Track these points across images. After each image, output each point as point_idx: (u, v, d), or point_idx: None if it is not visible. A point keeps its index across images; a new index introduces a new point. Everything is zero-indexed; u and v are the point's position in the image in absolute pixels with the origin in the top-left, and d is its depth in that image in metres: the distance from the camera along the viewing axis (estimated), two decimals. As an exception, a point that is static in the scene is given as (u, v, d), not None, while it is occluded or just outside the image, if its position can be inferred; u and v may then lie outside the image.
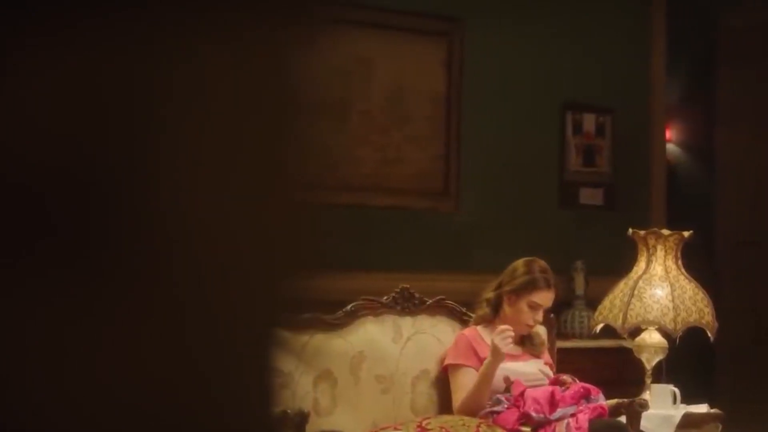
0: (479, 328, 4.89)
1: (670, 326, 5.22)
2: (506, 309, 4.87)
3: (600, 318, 5.43)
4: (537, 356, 4.94)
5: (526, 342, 4.95)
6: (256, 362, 1.02)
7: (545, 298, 4.85)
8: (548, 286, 4.84)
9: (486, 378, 4.66)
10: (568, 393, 4.61)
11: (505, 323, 4.83)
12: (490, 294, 4.92)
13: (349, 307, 4.85)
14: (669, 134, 7.73)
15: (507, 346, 4.59)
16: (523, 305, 4.82)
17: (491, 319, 4.88)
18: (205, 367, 0.95)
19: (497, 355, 4.60)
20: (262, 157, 1.00)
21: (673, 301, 5.24)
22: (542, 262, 4.91)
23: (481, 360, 4.74)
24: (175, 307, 0.93)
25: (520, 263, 4.92)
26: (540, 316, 4.86)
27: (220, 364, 0.97)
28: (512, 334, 4.62)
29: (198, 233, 0.93)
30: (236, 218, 0.97)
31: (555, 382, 4.74)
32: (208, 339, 0.96)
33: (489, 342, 4.79)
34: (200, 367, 0.95)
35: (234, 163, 0.97)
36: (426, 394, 4.93)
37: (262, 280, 1.03)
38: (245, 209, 0.98)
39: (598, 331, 5.58)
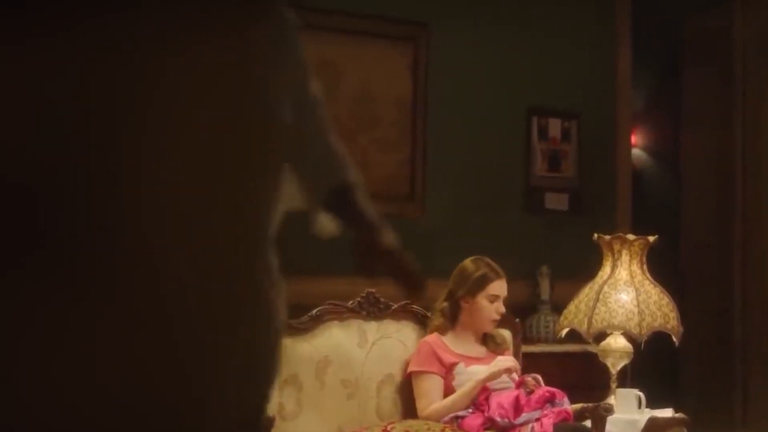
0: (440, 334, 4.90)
1: (635, 331, 5.23)
2: (466, 313, 4.88)
3: (565, 323, 5.44)
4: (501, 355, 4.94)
5: (489, 341, 4.96)
6: (229, 363, 1.02)
7: (500, 287, 4.90)
8: (499, 275, 4.89)
9: (471, 392, 4.68)
10: (533, 397, 4.62)
11: (469, 328, 4.86)
12: (444, 304, 4.93)
13: (314, 311, 4.84)
14: (634, 139, 7.76)
15: (500, 372, 4.72)
16: (482, 301, 4.85)
17: (451, 327, 4.90)
18: (187, 367, 0.96)
19: (490, 375, 4.69)
20: (233, 158, 1.00)
21: (638, 305, 5.25)
22: (486, 258, 4.95)
23: (444, 366, 4.75)
24: (159, 309, 0.93)
25: (466, 266, 4.95)
26: (502, 307, 4.89)
27: (199, 365, 0.97)
28: (516, 367, 4.78)
29: (175, 234, 0.93)
30: (211, 220, 0.97)
31: (520, 384, 4.75)
32: (188, 340, 0.96)
33: (453, 348, 4.81)
34: (182, 366, 0.95)
35: (208, 165, 0.97)
36: (391, 398, 4.92)
37: (233, 281, 1.03)
38: (219, 212, 0.98)
39: (563, 335, 5.59)
